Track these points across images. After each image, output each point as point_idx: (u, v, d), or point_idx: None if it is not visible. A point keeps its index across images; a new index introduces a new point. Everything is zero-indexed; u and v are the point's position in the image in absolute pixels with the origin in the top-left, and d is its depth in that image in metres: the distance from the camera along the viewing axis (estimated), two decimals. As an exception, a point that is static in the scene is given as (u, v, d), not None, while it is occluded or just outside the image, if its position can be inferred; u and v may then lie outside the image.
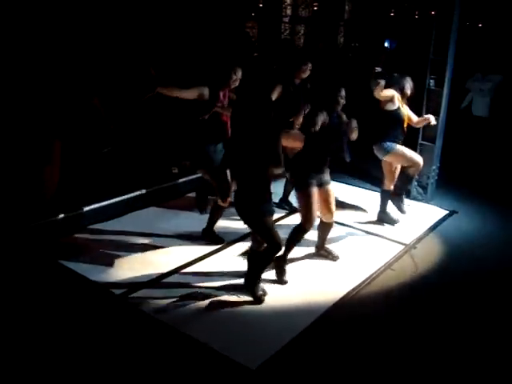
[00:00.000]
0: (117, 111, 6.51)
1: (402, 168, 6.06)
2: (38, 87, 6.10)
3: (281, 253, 4.65)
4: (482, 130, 8.47)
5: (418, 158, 5.99)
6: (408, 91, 5.91)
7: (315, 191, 4.81)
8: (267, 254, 4.41)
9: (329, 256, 5.28)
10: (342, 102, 4.89)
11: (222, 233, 5.58)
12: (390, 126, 5.85)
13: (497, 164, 7.92)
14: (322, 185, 4.90)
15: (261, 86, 6.23)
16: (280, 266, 4.87)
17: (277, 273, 4.87)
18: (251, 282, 4.50)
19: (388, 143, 5.84)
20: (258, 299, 4.46)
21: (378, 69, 9.39)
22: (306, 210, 4.81)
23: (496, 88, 8.60)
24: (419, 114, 6.65)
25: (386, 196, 6.13)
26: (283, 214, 6.31)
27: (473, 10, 11.30)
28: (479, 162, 7.93)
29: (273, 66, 10.67)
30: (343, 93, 4.88)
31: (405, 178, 6.08)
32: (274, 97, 5.80)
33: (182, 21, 8.74)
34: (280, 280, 4.85)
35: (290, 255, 5.05)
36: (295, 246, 4.99)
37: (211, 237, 5.53)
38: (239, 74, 5.30)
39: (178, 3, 8.61)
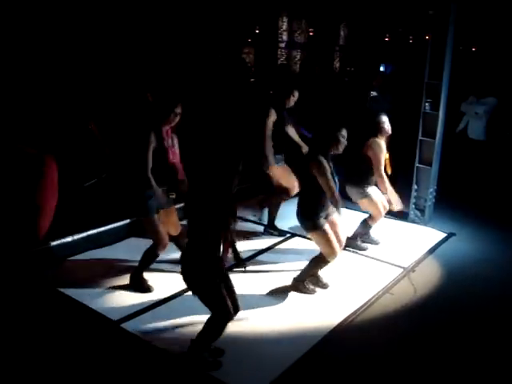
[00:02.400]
0: (113, 136, 6.53)
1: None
2: (35, 109, 6.13)
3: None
4: (478, 153, 8.50)
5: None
6: (389, 131, 5.85)
7: (327, 226, 4.83)
8: (216, 324, 3.72)
9: (318, 283, 5.13)
10: (344, 142, 4.78)
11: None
12: (370, 170, 5.79)
13: (494, 186, 7.93)
14: (327, 216, 4.90)
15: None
16: (301, 284, 5.03)
17: (301, 290, 5.03)
18: (199, 348, 3.84)
19: (368, 187, 5.84)
20: (212, 365, 3.91)
21: (374, 93, 9.45)
22: (328, 247, 4.83)
23: (491, 111, 8.66)
24: (415, 138, 6.69)
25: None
26: (279, 240, 6.29)
27: (467, 34, 11.45)
28: (476, 185, 7.95)
29: (269, 91, 10.75)
30: (344, 132, 4.76)
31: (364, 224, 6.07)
32: (269, 120, 5.84)
33: (180, 46, 8.83)
34: (309, 293, 5.02)
35: (285, 280, 5.13)
36: (313, 273, 5.06)
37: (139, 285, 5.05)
38: (179, 109, 4.80)
39: (175, 29, 8.71)
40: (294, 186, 6.12)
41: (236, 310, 3.79)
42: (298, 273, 5.08)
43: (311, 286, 5.05)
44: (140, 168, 4.64)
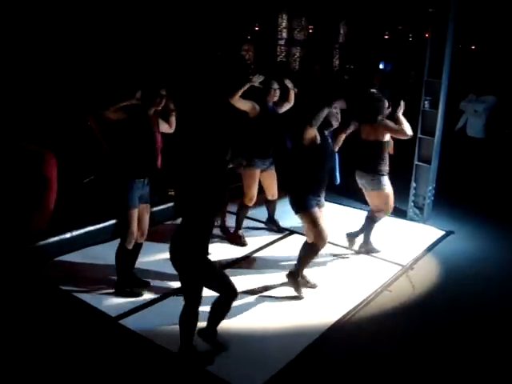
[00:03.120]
0: (112, 133, 6.51)
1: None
2: (33, 108, 6.11)
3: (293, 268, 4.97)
4: (477, 151, 8.50)
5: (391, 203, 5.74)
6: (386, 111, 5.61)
7: (317, 209, 4.81)
8: (191, 315, 3.81)
9: (307, 284, 5.11)
10: (337, 118, 4.83)
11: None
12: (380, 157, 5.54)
13: (492, 184, 7.94)
14: (318, 205, 4.88)
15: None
16: (295, 281, 4.95)
17: (294, 288, 4.94)
18: (185, 343, 3.90)
19: (382, 177, 5.55)
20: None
21: (374, 90, 9.44)
22: (317, 229, 4.78)
23: (490, 109, 8.66)
24: (414, 135, 6.67)
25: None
26: (280, 236, 6.32)
27: (466, 32, 11.45)
28: (475, 183, 7.95)
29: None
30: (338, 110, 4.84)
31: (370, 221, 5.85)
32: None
33: (179, 43, 8.82)
34: (298, 294, 4.92)
35: (282, 278, 5.11)
36: (308, 264, 5.01)
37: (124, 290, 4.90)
38: (164, 92, 4.70)
39: (175, 25, 8.70)
40: (274, 193, 6.19)
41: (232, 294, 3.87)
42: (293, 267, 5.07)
43: (301, 289, 4.97)
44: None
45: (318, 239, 4.82)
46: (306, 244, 4.96)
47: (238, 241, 6.07)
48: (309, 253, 4.93)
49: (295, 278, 4.98)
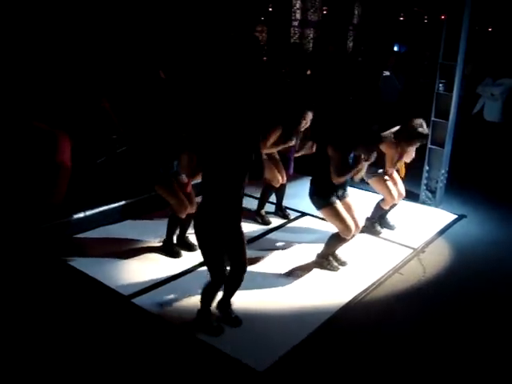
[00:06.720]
0: (126, 114, 6.53)
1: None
2: (47, 89, 6.14)
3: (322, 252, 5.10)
4: (493, 135, 8.42)
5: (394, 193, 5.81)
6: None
7: (338, 202, 4.88)
8: (210, 287, 3.96)
9: (337, 262, 5.18)
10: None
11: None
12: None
13: (507, 169, 7.88)
14: (340, 198, 4.96)
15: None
16: (321, 262, 5.10)
17: (324, 267, 5.09)
18: (202, 311, 4.10)
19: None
20: (215, 330, 4.07)
21: (387, 73, 9.35)
22: (340, 222, 4.87)
23: (507, 92, 8.55)
24: (428, 119, 6.63)
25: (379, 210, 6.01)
26: (293, 217, 6.34)
27: (482, 14, 11.29)
28: (491, 167, 7.89)
29: (282, 69, 10.71)
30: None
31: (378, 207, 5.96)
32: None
33: (192, 24, 8.79)
34: (340, 263, 5.15)
35: (298, 260, 5.19)
36: (334, 250, 5.12)
37: (169, 250, 5.30)
38: None
39: (189, 7, 8.66)
40: (277, 178, 6.07)
41: (242, 269, 4.01)
42: (320, 250, 5.15)
43: (335, 263, 5.11)
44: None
45: (344, 232, 4.90)
46: (334, 233, 5.04)
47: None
48: (335, 242, 5.03)
49: (323, 259, 5.09)
